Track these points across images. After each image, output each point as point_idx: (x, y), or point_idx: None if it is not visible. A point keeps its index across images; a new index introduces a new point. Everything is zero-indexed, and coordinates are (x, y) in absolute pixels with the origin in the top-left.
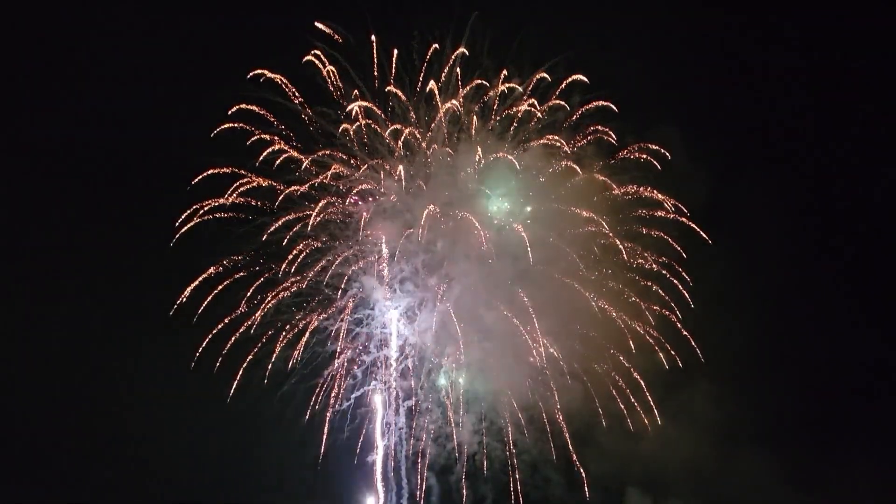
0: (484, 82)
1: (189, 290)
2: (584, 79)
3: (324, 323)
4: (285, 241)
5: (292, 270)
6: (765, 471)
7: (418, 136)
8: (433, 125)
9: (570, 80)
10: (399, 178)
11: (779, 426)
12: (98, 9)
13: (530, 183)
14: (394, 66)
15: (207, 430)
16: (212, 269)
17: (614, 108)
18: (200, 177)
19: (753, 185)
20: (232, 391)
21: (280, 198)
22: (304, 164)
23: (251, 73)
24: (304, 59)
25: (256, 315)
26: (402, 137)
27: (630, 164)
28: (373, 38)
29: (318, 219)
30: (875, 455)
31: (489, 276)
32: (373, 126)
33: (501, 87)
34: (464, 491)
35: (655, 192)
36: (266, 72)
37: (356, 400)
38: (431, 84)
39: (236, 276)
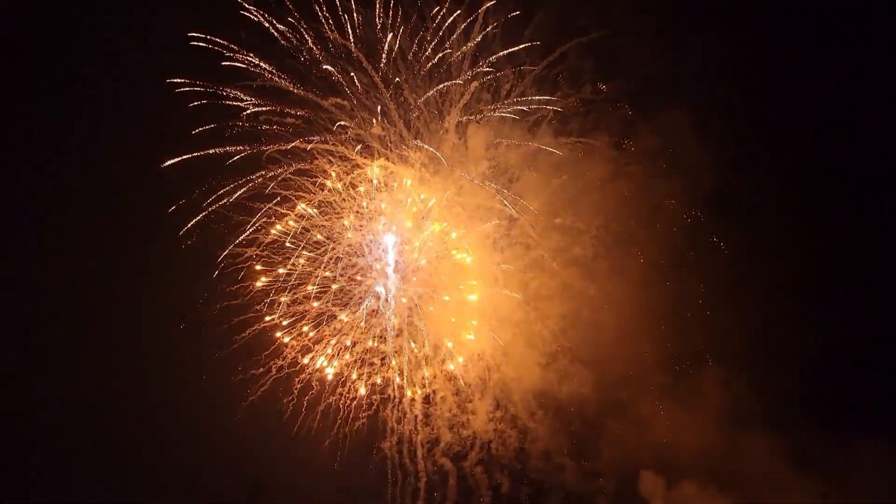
0: (495, 71)
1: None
2: (603, 86)
3: (340, 314)
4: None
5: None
6: (772, 452)
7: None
8: (445, 116)
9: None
10: (412, 166)
11: (785, 409)
12: None
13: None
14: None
15: (218, 425)
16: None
17: (627, 105)
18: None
19: (762, 173)
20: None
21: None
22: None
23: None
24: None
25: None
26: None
27: (639, 152)
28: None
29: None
30: (880, 436)
31: (501, 263)
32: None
33: (512, 76)
34: (479, 477)
35: (664, 179)
36: (263, 63)
37: (372, 387)
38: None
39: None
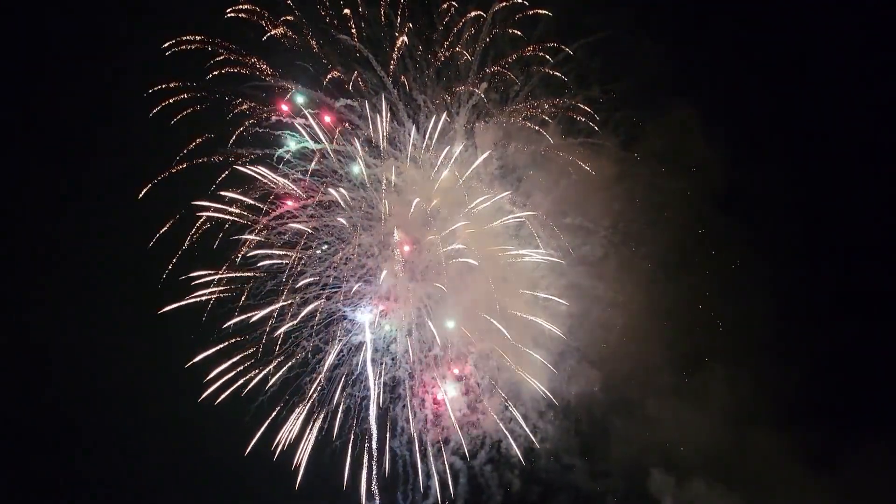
0: (506, 72)
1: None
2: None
3: (351, 315)
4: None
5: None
6: (781, 451)
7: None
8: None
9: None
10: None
11: (794, 408)
12: None
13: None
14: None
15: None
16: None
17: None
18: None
19: (771, 170)
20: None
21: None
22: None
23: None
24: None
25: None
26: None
27: (647, 151)
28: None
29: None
30: (888, 437)
31: (508, 266)
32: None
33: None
34: (489, 477)
35: (672, 179)
36: (257, 60)
37: (382, 387)
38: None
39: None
